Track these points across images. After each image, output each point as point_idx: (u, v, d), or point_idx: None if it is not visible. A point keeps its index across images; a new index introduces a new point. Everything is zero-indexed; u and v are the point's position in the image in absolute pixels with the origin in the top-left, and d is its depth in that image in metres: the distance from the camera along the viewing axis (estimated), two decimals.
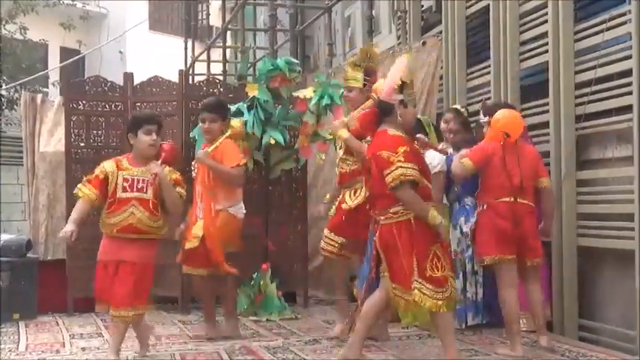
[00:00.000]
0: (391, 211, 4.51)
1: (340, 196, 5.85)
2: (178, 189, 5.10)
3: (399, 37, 8.91)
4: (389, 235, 4.52)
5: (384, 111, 4.68)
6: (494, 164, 5.26)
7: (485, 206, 5.29)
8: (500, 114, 5.34)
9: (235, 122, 6.21)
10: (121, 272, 4.89)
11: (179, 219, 5.68)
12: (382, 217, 4.57)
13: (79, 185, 5.12)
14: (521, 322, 5.85)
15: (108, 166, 5.07)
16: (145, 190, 5.03)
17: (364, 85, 5.81)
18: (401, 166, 4.42)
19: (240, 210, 5.92)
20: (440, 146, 5.88)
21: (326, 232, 5.84)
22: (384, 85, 4.77)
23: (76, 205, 5.08)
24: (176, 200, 5.09)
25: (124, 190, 5.01)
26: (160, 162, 5.10)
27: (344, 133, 5.62)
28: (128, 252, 4.92)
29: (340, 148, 5.88)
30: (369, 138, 5.06)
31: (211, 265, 5.69)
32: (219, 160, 5.76)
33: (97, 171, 5.08)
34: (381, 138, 4.63)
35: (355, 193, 5.69)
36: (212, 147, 5.82)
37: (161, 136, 5.25)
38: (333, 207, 5.93)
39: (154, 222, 5.01)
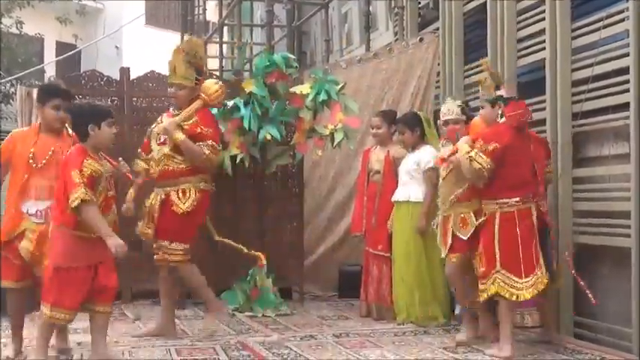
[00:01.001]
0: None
1: (156, 197, 5.67)
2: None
3: (396, 34, 8.91)
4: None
5: None
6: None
7: None
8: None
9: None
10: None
11: None
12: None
13: (81, 191, 4.52)
14: (526, 317, 5.87)
15: (97, 165, 4.72)
16: (113, 187, 4.93)
17: (195, 83, 5.78)
18: None
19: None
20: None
21: (165, 243, 5.61)
22: None
23: (93, 215, 4.60)
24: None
25: (108, 189, 4.83)
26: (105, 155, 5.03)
27: (179, 136, 5.55)
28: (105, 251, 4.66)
29: (162, 144, 5.73)
30: None
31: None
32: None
33: (90, 171, 4.64)
34: None
35: (184, 194, 5.61)
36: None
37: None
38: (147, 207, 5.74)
39: None
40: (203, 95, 5.78)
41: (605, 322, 5.75)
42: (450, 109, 5.68)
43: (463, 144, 5.17)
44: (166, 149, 5.65)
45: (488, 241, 5.10)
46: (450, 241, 5.45)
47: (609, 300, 5.76)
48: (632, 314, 5.27)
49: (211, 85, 5.85)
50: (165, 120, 5.77)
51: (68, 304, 4.63)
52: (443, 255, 5.57)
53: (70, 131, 5.07)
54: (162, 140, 5.72)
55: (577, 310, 5.98)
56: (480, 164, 5.02)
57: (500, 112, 5.29)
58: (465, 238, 5.37)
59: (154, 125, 5.90)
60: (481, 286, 5.12)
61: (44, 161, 4.94)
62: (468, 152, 5.08)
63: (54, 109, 5.04)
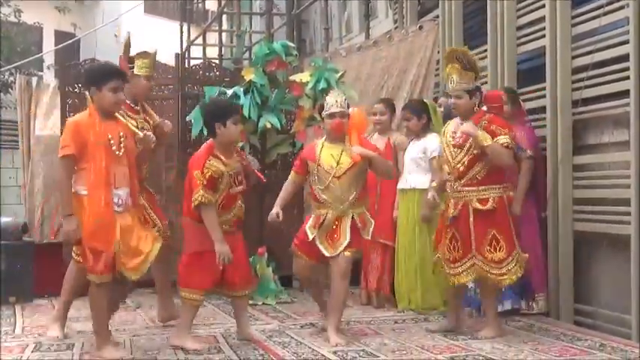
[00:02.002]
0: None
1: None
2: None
3: (395, 21, 8.90)
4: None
5: None
6: None
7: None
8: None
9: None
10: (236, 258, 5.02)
11: None
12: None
13: (200, 193, 4.88)
14: (534, 304, 5.91)
15: (219, 165, 4.97)
16: (243, 181, 5.15)
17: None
18: None
19: None
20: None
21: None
22: None
23: (210, 218, 4.91)
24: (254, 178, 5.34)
25: (231, 186, 5.05)
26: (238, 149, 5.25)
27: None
28: (238, 242, 5.12)
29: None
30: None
31: None
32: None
33: (211, 173, 4.91)
34: None
35: None
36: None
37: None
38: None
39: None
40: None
41: (604, 310, 5.76)
42: (338, 100, 5.26)
43: (484, 133, 5.08)
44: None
45: (464, 228, 5.16)
46: (348, 238, 5.17)
47: (609, 287, 5.78)
48: (632, 301, 5.29)
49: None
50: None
51: (198, 285, 5.02)
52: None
53: (120, 116, 4.93)
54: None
55: (577, 298, 6.00)
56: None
57: (477, 102, 5.28)
58: (369, 237, 5.35)
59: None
60: (452, 271, 5.21)
61: (122, 148, 4.77)
62: (502, 143, 5.08)
63: (112, 92, 4.78)
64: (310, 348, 4.93)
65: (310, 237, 5.23)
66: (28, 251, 7.20)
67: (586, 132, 5.98)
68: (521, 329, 5.45)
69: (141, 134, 4.97)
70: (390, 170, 5.60)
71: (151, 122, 5.66)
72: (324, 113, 5.29)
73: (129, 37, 5.69)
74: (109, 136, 4.71)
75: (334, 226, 5.18)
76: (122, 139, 4.77)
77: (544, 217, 6.11)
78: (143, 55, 5.66)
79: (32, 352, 4.91)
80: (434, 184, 5.52)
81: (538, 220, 6.10)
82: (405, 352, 4.78)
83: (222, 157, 5.00)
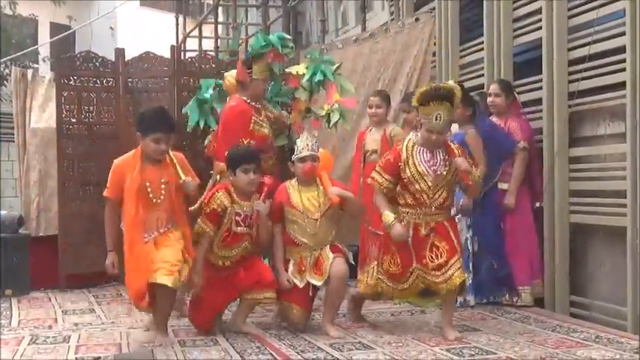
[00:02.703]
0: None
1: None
2: (269, 223, 5.27)
3: (392, 14, 8.88)
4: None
5: None
6: None
7: None
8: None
9: None
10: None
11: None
12: None
13: (200, 222, 5.10)
14: (518, 297, 5.92)
15: (225, 199, 5.09)
16: (252, 225, 5.18)
17: None
18: None
19: None
20: None
21: None
22: None
23: (199, 247, 5.08)
24: (269, 236, 5.28)
25: (237, 224, 5.12)
26: (263, 196, 5.20)
27: None
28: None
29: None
30: None
31: None
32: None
33: (215, 205, 5.07)
34: None
35: None
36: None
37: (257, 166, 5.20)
38: None
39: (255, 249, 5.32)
40: None
41: (600, 301, 5.77)
42: (309, 144, 5.28)
43: (473, 169, 5.08)
44: None
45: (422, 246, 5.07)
46: (331, 256, 5.15)
47: (604, 279, 5.79)
48: (628, 293, 5.29)
49: None
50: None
51: (198, 323, 5.25)
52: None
53: (174, 159, 5.03)
54: None
55: (573, 290, 6.01)
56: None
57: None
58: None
59: None
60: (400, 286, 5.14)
61: (162, 196, 4.91)
62: (479, 176, 5.18)
63: (154, 142, 4.91)
64: (306, 340, 4.93)
65: (301, 284, 5.20)
66: (24, 244, 7.20)
67: (582, 124, 5.98)
68: (517, 321, 5.46)
69: (183, 178, 4.99)
70: (362, 210, 5.63)
71: (272, 116, 6.23)
72: (294, 157, 5.30)
73: (246, 44, 5.94)
74: (147, 183, 4.87)
75: (318, 258, 5.21)
76: (164, 186, 4.91)
77: (537, 208, 6.12)
78: (259, 60, 6.11)
79: (28, 344, 4.91)
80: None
81: (532, 212, 6.11)
82: (401, 344, 4.78)
83: (234, 195, 5.12)
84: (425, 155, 5.06)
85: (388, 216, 5.03)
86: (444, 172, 5.05)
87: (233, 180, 5.16)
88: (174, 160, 5.02)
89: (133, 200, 4.84)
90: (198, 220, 5.12)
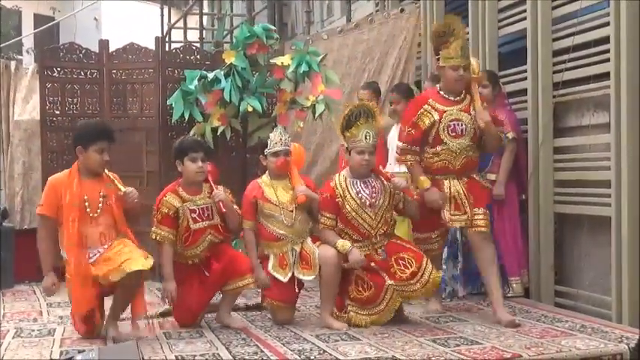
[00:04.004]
0: None
1: (461, 184, 5.32)
2: (235, 207, 5.21)
3: (377, 4, 8.87)
4: None
5: None
6: None
7: None
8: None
9: None
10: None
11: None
12: None
13: (153, 229, 5.08)
14: (509, 287, 5.94)
15: (174, 201, 5.06)
16: (212, 216, 5.12)
17: None
18: None
19: None
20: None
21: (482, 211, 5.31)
22: None
23: (164, 255, 5.07)
24: (238, 219, 5.21)
25: (195, 221, 5.07)
26: (211, 183, 5.15)
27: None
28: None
29: (459, 137, 5.24)
30: None
31: None
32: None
33: (165, 209, 5.04)
34: None
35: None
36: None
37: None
38: None
39: (224, 238, 5.24)
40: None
41: (584, 291, 5.80)
42: (282, 138, 5.27)
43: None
44: (467, 141, 5.21)
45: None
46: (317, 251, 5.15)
47: (589, 269, 5.82)
48: (612, 283, 5.32)
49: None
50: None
51: (180, 321, 5.23)
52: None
53: (109, 173, 4.94)
54: (459, 132, 5.19)
55: (557, 279, 6.04)
56: None
57: None
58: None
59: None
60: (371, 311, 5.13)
61: (99, 210, 4.80)
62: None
63: (98, 153, 4.82)
64: (292, 332, 4.93)
65: (285, 279, 5.15)
66: (9, 237, 7.16)
67: (567, 114, 5.99)
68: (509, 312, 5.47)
69: (123, 190, 4.89)
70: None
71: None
72: (267, 151, 5.27)
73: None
74: (85, 197, 4.76)
75: (302, 253, 5.18)
76: (102, 199, 4.81)
77: (523, 199, 6.14)
78: (447, 45, 5.17)
79: (13, 337, 4.89)
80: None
81: (519, 202, 6.13)
82: (386, 335, 4.79)
83: (184, 193, 5.09)
84: (360, 186, 5.13)
85: (344, 244, 5.04)
86: (381, 201, 5.12)
87: (182, 170, 5.10)
88: (110, 175, 4.93)
89: (74, 215, 4.70)
90: (153, 228, 5.08)
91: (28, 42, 18.44)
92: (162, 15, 14.99)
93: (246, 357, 4.27)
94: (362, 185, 5.13)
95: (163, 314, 5.39)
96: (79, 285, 4.69)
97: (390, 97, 6.60)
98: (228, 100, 6.71)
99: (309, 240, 5.21)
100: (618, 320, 5.17)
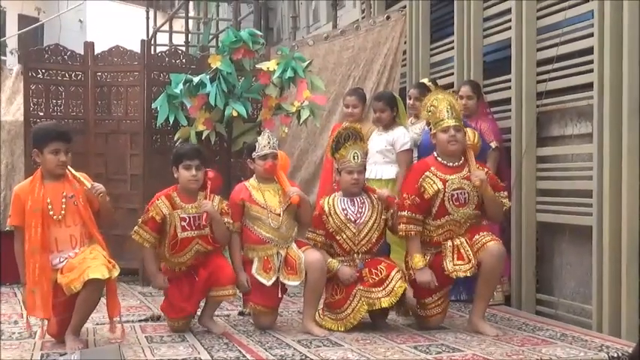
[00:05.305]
0: None
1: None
2: (226, 219, 5.11)
3: (363, 11, 8.91)
4: None
5: None
6: None
7: None
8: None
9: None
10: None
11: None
12: None
13: (135, 229, 5.03)
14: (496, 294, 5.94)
15: (163, 207, 5.00)
16: (202, 226, 5.05)
17: None
18: None
19: None
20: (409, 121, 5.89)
21: None
22: None
23: (145, 255, 5.13)
24: (225, 233, 5.12)
25: (184, 229, 5.02)
26: (207, 192, 5.08)
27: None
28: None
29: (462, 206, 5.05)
30: None
31: None
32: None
33: (153, 212, 4.99)
34: None
35: None
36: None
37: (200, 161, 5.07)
38: None
39: (213, 248, 5.17)
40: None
41: (566, 299, 5.83)
42: (270, 142, 5.25)
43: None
44: (471, 210, 5.04)
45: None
46: (302, 255, 5.14)
47: (570, 277, 5.85)
48: (592, 291, 5.36)
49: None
50: None
51: (171, 315, 5.20)
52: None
53: (74, 173, 4.82)
54: (463, 201, 5.00)
55: (539, 288, 6.07)
56: None
57: None
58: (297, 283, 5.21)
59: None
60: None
61: (63, 211, 4.67)
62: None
63: (53, 154, 4.68)
64: (274, 337, 4.93)
65: (269, 283, 5.14)
66: None
67: (550, 124, 6.04)
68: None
69: (89, 185, 4.75)
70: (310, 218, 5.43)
71: None
72: (255, 154, 5.26)
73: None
74: (48, 200, 4.64)
75: (287, 258, 5.17)
76: (65, 200, 4.68)
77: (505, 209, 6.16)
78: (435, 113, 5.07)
79: None
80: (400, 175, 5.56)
81: None
82: (369, 341, 4.79)
83: (178, 200, 5.05)
84: (347, 204, 5.20)
85: (333, 263, 5.15)
86: (366, 218, 5.16)
87: (177, 177, 5.07)
88: (76, 174, 4.80)
89: (36, 221, 4.59)
90: (136, 227, 5.04)
91: (11, 43, 18.34)
92: (147, 18, 14.95)
93: None
94: (349, 202, 5.20)
95: (147, 320, 5.37)
96: (38, 290, 4.56)
97: (374, 105, 6.60)
98: (214, 105, 6.71)
99: (294, 245, 5.21)
100: (599, 329, 5.21)
